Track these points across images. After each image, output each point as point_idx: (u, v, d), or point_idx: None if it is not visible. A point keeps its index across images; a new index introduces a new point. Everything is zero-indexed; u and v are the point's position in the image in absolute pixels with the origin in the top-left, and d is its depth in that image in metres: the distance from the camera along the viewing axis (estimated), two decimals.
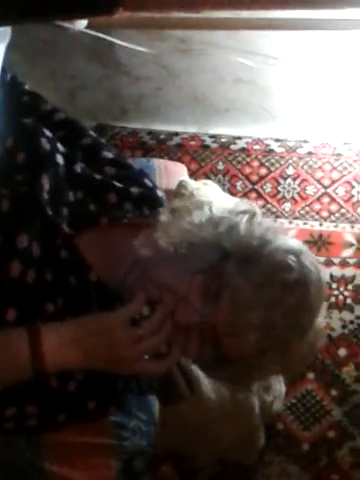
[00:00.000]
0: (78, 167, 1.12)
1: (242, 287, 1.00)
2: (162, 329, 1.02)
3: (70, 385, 1.06)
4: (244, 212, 1.11)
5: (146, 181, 1.22)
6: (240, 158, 2.17)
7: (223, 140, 2.20)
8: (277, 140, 2.18)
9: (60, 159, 1.10)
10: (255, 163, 2.16)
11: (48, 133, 1.11)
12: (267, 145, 2.18)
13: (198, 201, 1.20)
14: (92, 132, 1.24)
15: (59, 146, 1.12)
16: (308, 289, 1.04)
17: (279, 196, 2.10)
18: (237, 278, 1.01)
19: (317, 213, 2.06)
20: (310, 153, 2.14)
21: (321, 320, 1.10)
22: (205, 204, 1.16)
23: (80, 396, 1.05)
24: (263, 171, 2.15)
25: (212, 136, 2.22)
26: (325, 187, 2.09)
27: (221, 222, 1.10)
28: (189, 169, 2.02)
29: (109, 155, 1.19)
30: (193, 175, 2.08)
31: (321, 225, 2.04)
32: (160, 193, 1.23)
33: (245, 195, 2.10)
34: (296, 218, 2.05)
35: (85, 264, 1.07)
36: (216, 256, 1.05)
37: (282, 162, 2.15)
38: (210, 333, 1.03)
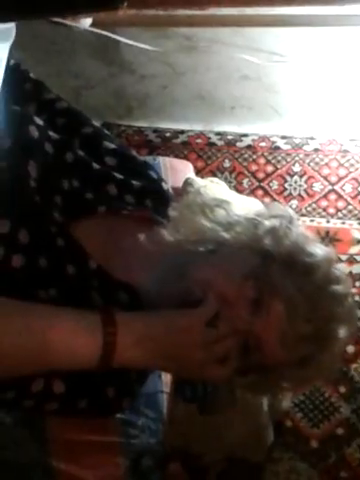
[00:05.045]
0: (70, 156, 1.09)
1: (297, 298, 0.98)
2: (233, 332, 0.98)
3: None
4: (281, 216, 1.07)
5: (151, 173, 1.18)
6: (246, 155, 2.16)
7: (229, 137, 2.20)
8: (283, 137, 2.18)
9: (50, 148, 1.07)
10: (261, 160, 2.16)
11: (39, 121, 1.08)
12: (273, 142, 2.17)
13: (215, 198, 1.13)
14: (96, 123, 1.20)
15: (51, 134, 1.08)
16: (350, 299, 1.05)
17: (286, 193, 2.10)
18: (291, 288, 0.98)
19: (324, 210, 2.06)
20: (316, 150, 2.14)
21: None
22: (224, 202, 1.11)
23: (102, 381, 1.00)
24: (269, 168, 2.14)
25: (218, 133, 2.22)
26: (332, 184, 2.09)
27: (259, 225, 1.05)
28: (195, 167, 2.02)
29: (111, 146, 1.16)
30: (199, 173, 2.08)
31: (328, 222, 2.04)
32: (165, 186, 1.20)
33: (252, 192, 2.10)
34: (303, 215, 2.05)
35: (82, 252, 1.03)
36: (258, 260, 1.01)
37: (288, 159, 2.14)
38: (251, 340, 0.99)
